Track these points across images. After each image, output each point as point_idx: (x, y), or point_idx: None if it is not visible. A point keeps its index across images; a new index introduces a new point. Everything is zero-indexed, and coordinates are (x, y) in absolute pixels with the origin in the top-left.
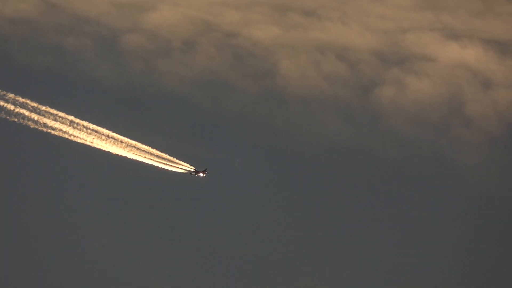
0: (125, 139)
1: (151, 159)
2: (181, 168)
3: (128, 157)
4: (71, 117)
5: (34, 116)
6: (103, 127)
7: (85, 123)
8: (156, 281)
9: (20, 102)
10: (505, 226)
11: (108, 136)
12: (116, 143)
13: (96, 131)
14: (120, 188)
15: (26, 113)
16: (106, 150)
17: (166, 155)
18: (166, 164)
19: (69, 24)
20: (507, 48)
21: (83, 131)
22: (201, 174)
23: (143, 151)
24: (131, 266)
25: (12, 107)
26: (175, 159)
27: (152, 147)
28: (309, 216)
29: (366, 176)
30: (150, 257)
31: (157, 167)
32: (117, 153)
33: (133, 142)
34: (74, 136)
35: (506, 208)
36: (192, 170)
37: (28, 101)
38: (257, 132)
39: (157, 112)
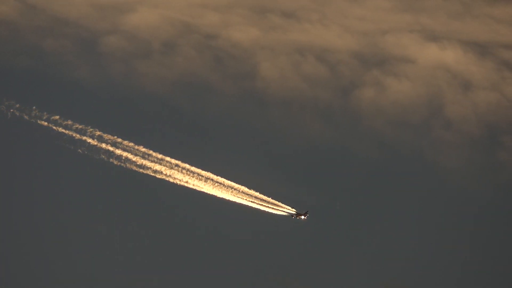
0: (110, 137)
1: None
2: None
3: (113, 160)
4: (56, 117)
5: (15, 116)
6: (86, 127)
7: (69, 122)
8: None
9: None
10: (485, 226)
11: (93, 133)
12: (103, 142)
13: (80, 130)
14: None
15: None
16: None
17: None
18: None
19: (48, 26)
20: (486, 49)
21: (67, 130)
22: (302, 217)
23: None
24: None
25: None
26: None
27: (135, 143)
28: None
29: (346, 178)
30: None
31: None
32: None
33: (119, 139)
34: (59, 135)
35: (486, 209)
36: (294, 212)
37: (12, 103)
38: (237, 133)
39: (137, 113)
